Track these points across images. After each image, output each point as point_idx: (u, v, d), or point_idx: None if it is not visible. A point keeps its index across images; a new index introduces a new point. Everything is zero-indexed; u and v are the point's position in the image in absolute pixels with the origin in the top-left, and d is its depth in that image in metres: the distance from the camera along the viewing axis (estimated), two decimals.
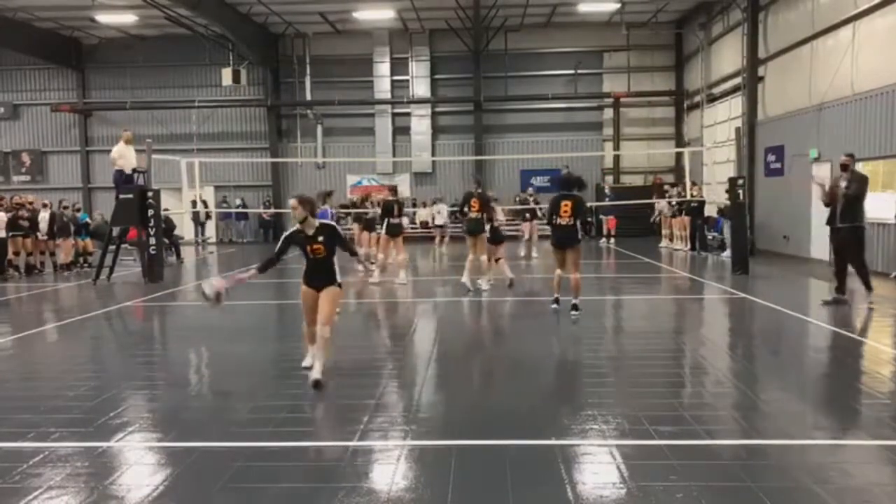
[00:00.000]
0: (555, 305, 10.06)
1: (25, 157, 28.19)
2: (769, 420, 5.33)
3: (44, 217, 16.67)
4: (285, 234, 6.47)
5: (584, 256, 19.36)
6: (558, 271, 10.08)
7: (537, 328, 9.35)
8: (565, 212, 9.63)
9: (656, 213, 21.45)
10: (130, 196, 14.64)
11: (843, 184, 9.95)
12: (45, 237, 16.71)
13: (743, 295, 11.37)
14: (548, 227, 10.25)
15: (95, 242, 18.23)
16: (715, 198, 19.35)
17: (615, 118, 26.77)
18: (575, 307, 9.64)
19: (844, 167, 10.06)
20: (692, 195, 19.21)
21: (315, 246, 6.30)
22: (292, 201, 6.37)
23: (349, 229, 18.30)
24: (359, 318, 10.70)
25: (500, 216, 14.37)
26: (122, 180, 15.05)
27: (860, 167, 14.84)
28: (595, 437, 4.93)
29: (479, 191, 12.74)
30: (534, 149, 26.09)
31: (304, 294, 6.55)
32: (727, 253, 17.33)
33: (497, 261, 12.86)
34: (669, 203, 19.94)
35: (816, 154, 16.16)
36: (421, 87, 26.91)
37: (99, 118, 28.10)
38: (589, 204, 24.83)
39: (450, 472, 4.33)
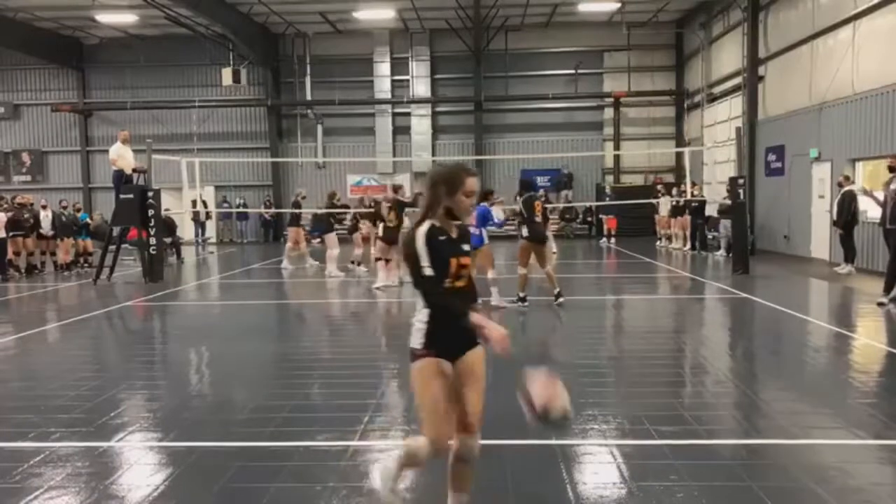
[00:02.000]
0: (561, 299, 10.40)
1: (25, 157, 28.19)
2: (769, 420, 5.32)
3: (46, 216, 16.69)
4: (422, 237, 3.26)
5: (585, 256, 19.65)
6: (549, 267, 10.63)
7: (536, 327, 9.37)
8: (539, 210, 10.48)
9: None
10: (130, 196, 14.65)
11: (892, 186, 9.84)
12: (51, 233, 16.73)
13: (744, 295, 11.35)
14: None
15: (95, 242, 18.23)
16: (716, 197, 19.35)
17: (615, 118, 26.76)
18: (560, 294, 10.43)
19: (893, 169, 9.90)
20: (692, 195, 19.21)
21: (464, 259, 3.41)
22: (472, 181, 3.37)
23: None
24: (359, 319, 10.69)
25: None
26: (122, 180, 15.06)
27: (860, 168, 14.91)
28: (595, 436, 4.93)
29: None
30: (534, 149, 26.08)
31: (431, 374, 3.34)
32: (720, 252, 17.41)
33: (387, 262, 12.80)
34: (675, 202, 19.88)
35: (817, 154, 16.15)
36: (421, 87, 26.90)
37: (99, 118, 28.09)
38: (589, 204, 25.23)
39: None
